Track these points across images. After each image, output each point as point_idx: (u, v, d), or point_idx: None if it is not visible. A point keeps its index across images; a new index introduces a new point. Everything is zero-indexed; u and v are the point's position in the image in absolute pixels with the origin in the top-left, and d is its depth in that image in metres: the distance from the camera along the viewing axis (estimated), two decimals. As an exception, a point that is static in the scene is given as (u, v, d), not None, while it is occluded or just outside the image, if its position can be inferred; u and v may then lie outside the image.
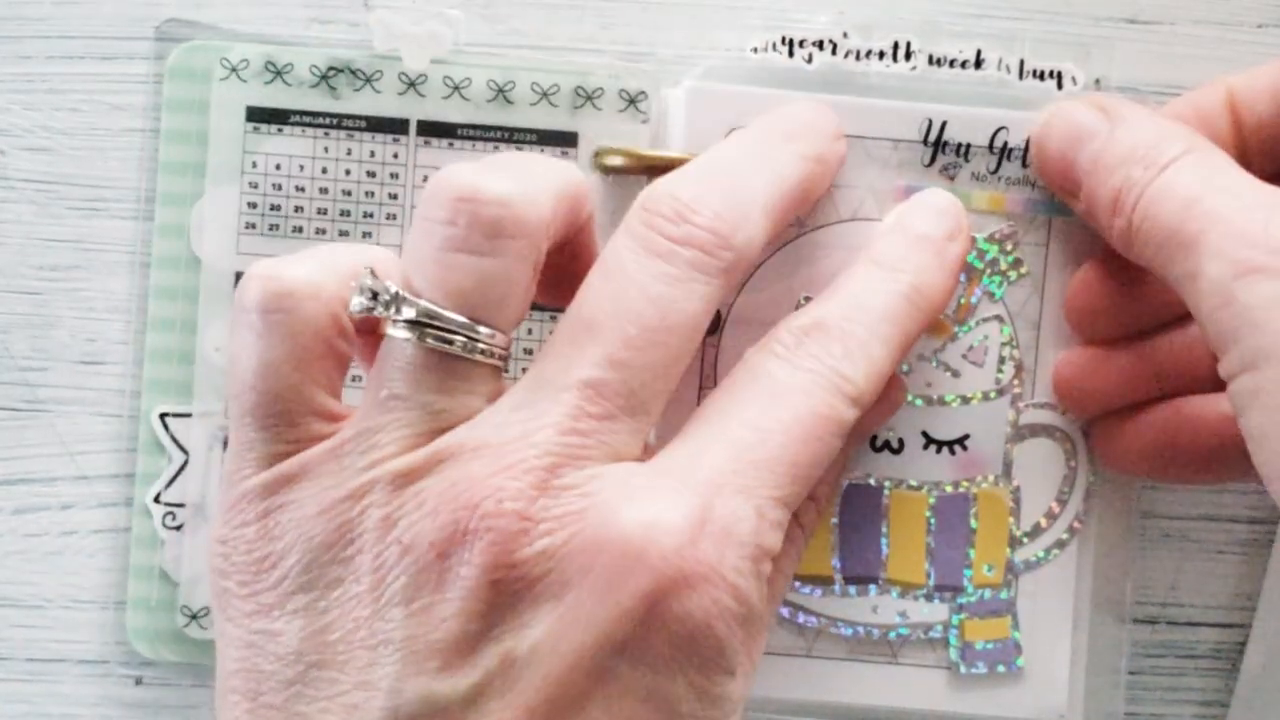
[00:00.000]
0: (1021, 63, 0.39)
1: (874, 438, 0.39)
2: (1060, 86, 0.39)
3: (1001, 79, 0.39)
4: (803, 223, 0.39)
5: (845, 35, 0.39)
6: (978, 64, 0.39)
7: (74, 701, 0.41)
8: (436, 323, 0.31)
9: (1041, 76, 0.39)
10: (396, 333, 0.31)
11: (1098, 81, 0.40)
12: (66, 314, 0.41)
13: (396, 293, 0.31)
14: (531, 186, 0.31)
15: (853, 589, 0.39)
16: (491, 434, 0.31)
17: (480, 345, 0.31)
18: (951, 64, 0.39)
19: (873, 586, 0.39)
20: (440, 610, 0.30)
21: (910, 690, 0.39)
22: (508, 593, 0.30)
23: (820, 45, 0.39)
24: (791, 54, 0.39)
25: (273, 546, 0.31)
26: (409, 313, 0.31)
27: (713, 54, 0.40)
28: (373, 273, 0.31)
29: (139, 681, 0.41)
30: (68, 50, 0.41)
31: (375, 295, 0.31)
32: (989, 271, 0.39)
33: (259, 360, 0.31)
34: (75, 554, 0.41)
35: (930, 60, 0.39)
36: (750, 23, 0.40)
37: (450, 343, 0.31)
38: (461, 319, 0.31)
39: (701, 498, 0.31)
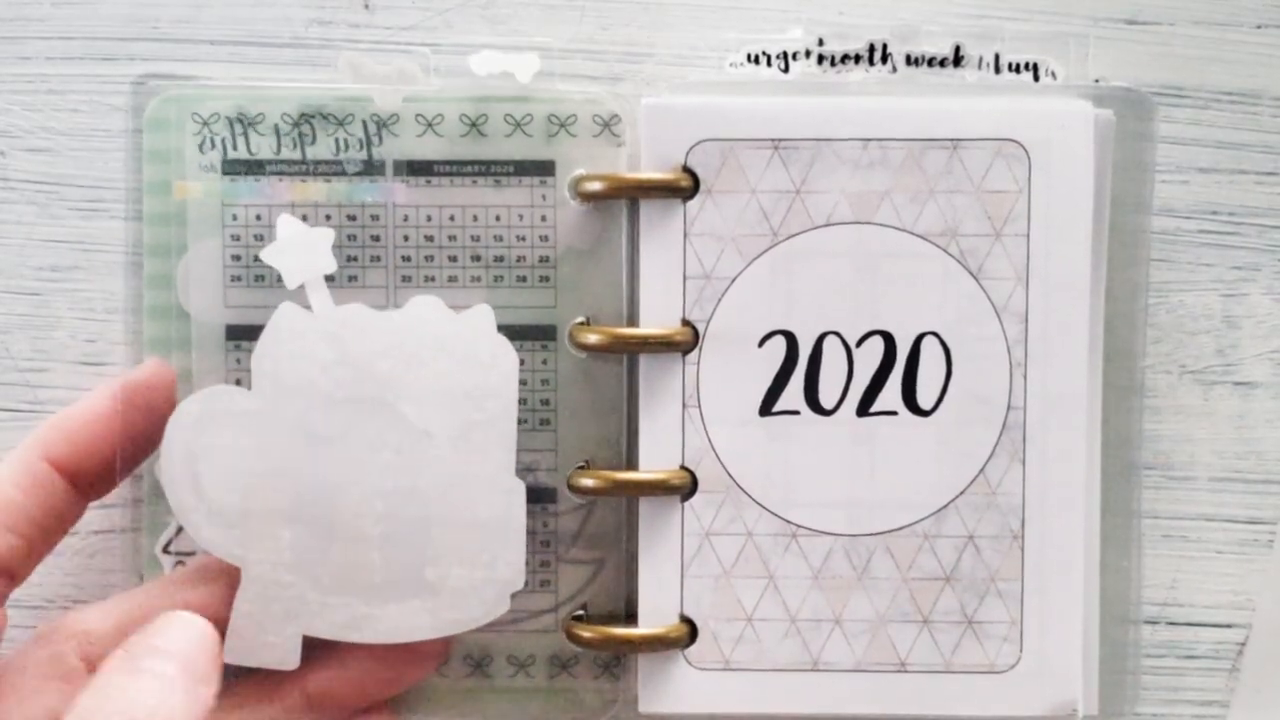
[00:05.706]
0: (997, 57, 0.39)
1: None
2: (1037, 79, 0.39)
3: (983, 77, 0.39)
4: (776, 232, 0.39)
5: (821, 42, 0.39)
6: (957, 61, 0.39)
7: (74, 702, 0.41)
8: None
9: (1018, 70, 0.39)
10: None
11: (1097, 80, 0.40)
12: (66, 314, 0.41)
13: None
14: None
15: None
16: None
17: None
18: (930, 63, 0.39)
19: None
20: None
21: (922, 696, 0.39)
22: None
23: (800, 56, 0.39)
24: (769, 64, 0.39)
25: None
26: None
27: (712, 54, 0.40)
28: None
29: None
30: (68, 51, 0.41)
31: None
32: None
33: None
34: (75, 554, 0.41)
35: (909, 60, 0.39)
36: (752, 19, 0.40)
37: None
38: None
39: None
